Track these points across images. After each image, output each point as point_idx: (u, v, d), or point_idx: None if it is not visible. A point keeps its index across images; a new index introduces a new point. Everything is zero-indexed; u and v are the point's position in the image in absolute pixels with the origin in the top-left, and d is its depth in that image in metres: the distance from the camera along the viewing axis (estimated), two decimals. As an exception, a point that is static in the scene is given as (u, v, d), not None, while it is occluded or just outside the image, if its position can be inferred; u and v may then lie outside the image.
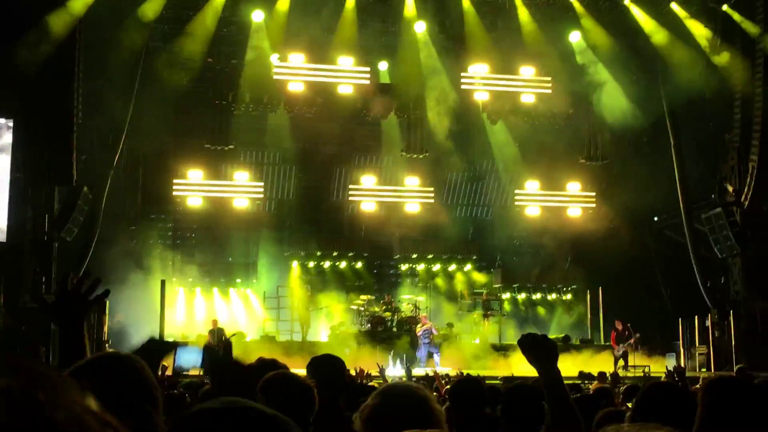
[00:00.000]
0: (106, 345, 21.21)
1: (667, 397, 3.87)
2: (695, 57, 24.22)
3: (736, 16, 23.60)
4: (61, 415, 0.70)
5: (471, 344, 25.50)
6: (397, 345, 23.81)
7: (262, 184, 27.21)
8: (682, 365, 20.16)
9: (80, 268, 22.16)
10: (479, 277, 29.67)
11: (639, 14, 24.58)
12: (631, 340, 23.17)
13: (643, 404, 3.82)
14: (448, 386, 7.10)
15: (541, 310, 29.59)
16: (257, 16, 24.62)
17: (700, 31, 24.14)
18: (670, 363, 21.97)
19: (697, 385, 11.60)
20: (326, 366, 4.72)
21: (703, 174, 25.69)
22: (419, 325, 24.08)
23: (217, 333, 21.90)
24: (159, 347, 2.56)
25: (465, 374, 8.26)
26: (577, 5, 24.84)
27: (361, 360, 19.34)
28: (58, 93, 20.97)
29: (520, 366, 21.00)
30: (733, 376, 3.12)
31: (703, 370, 22.99)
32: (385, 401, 2.79)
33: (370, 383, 8.99)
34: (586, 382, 15.34)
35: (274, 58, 25.42)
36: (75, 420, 0.71)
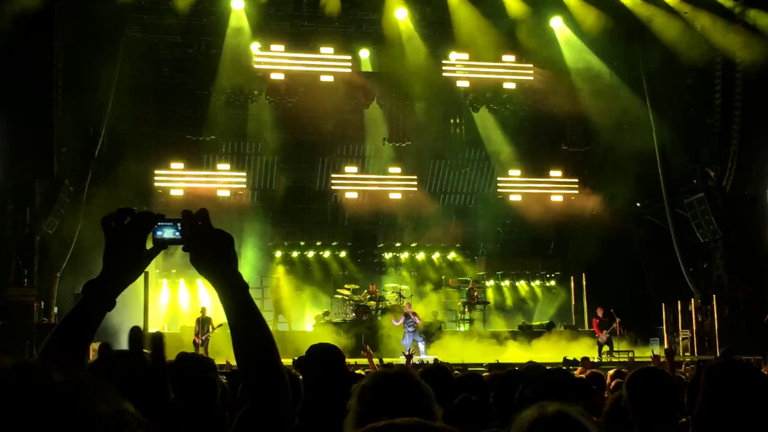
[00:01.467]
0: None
1: (654, 382, 3.93)
2: (677, 42, 24.32)
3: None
4: (105, 410, 0.72)
5: (457, 332, 25.60)
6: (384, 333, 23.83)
7: (244, 174, 27.11)
8: (669, 349, 20.30)
9: (63, 260, 22.12)
10: (463, 265, 29.76)
11: None
12: (614, 325, 23.27)
13: (632, 390, 3.87)
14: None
15: (525, 297, 29.71)
16: (237, 4, 24.50)
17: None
18: (655, 348, 22.15)
19: (682, 369, 11.70)
20: (327, 356, 4.66)
21: (684, 160, 25.81)
22: (394, 315, 23.99)
23: (203, 322, 21.88)
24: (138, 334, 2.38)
25: (435, 362, 8.28)
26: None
27: (345, 350, 19.37)
28: (37, 86, 20.85)
29: (506, 354, 21.15)
30: (735, 361, 3.12)
31: (687, 354, 23.15)
32: (378, 382, 2.81)
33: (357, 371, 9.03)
34: (570, 367, 15.43)
35: (254, 48, 25.34)
36: (117, 415, 0.73)
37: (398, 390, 2.78)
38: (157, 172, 26.06)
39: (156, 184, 26.10)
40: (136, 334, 2.08)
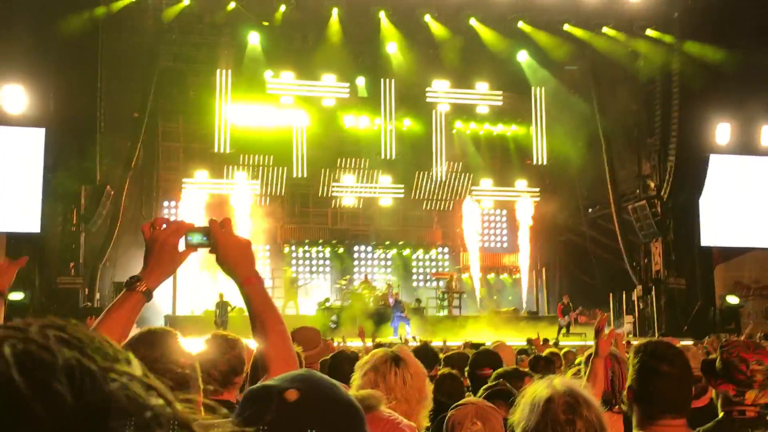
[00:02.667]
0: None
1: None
2: (626, 73, 24.55)
3: (655, 34, 23.92)
4: (113, 386, 0.66)
5: (436, 316, 25.62)
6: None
7: (258, 182, 27.06)
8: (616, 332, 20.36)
9: (104, 254, 22.13)
10: (443, 261, 29.80)
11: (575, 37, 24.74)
12: (576, 312, 23.42)
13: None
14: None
15: (494, 288, 29.74)
16: (253, 38, 24.54)
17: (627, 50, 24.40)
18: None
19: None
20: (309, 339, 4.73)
21: (629, 172, 26.03)
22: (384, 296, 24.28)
23: (222, 305, 21.91)
24: None
25: (423, 342, 8.36)
26: (526, 29, 24.79)
27: (343, 329, 19.53)
28: (84, 104, 20.91)
29: (476, 334, 21.19)
30: (660, 340, 3.10)
31: (630, 335, 23.22)
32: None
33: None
34: (532, 347, 15.46)
35: (267, 75, 25.42)
36: (123, 388, 0.66)
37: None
38: (184, 180, 26.06)
39: (183, 190, 26.06)
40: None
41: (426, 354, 5.35)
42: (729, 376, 3.08)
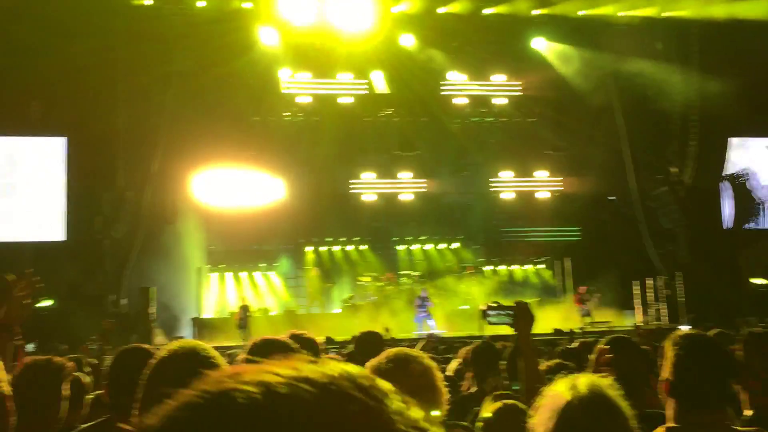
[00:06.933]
0: (153, 323, 21.26)
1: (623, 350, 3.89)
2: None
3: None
4: None
5: (460, 310, 25.47)
6: (399, 313, 23.85)
7: (280, 180, 27.09)
8: (641, 321, 20.27)
9: (127, 261, 22.27)
10: (466, 254, 29.66)
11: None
12: (595, 299, 23.28)
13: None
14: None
15: (518, 278, 29.55)
16: (268, 38, 24.44)
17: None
18: (629, 321, 22.07)
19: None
20: (374, 342, 4.77)
21: (650, 158, 25.74)
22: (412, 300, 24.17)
23: (244, 309, 22.07)
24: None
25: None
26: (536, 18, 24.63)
27: (368, 327, 19.34)
28: (103, 112, 21.04)
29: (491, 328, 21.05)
30: (698, 333, 3.01)
31: (656, 322, 23.03)
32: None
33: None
34: (560, 336, 15.40)
35: (283, 75, 25.45)
36: None
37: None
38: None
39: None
40: None
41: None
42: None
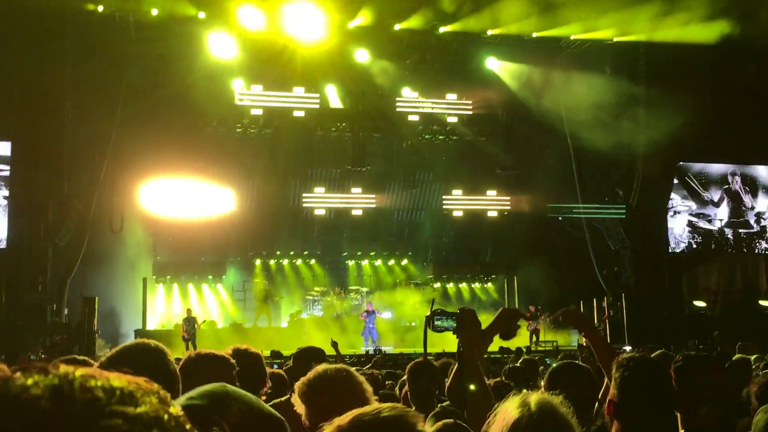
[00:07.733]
0: (96, 334, 20.83)
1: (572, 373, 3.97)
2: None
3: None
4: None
5: (408, 326, 25.53)
6: (348, 328, 23.81)
7: (230, 191, 26.81)
8: (585, 341, 20.44)
9: (72, 269, 21.77)
10: (414, 270, 29.75)
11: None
12: (542, 317, 23.44)
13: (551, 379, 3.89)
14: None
15: (466, 297, 29.72)
16: (220, 52, 24.19)
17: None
18: (574, 338, 22.32)
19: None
20: (315, 356, 4.73)
21: (597, 181, 26.17)
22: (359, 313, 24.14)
23: (190, 320, 21.67)
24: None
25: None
26: (491, 39, 24.92)
27: (315, 342, 19.30)
28: (49, 117, 20.61)
29: (451, 344, 21.17)
30: (643, 356, 3.01)
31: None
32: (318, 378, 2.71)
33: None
34: (505, 355, 15.50)
35: (236, 87, 25.24)
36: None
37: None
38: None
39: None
40: None
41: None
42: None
